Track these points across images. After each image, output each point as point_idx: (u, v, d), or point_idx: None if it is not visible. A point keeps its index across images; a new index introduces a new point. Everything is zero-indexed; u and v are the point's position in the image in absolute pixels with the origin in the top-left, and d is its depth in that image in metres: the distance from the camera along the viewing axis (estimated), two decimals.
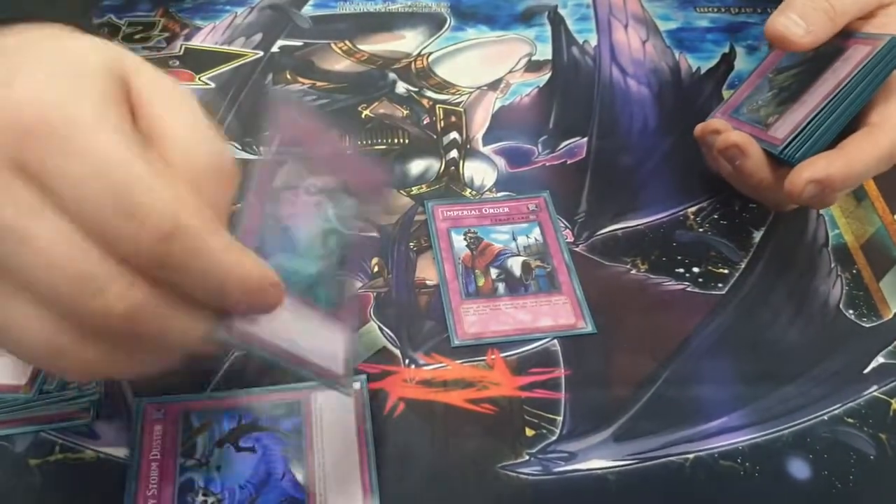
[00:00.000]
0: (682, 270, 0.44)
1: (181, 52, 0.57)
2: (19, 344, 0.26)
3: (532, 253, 0.45)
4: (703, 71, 0.57)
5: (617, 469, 0.36)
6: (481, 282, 0.43)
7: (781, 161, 0.42)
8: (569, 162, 0.50)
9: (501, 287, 0.43)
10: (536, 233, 0.46)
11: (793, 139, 0.41)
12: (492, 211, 0.47)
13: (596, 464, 0.37)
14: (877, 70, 0.40)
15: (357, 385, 0.38)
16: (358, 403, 0.38)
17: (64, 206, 0.25)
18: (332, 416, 0.37)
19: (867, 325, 0.42)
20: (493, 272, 0.44)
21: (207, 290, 0.26)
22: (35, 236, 0.24)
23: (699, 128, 0.46)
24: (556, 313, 0.42)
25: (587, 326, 0.41)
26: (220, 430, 0.37)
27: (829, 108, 0.41)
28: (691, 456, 0.37)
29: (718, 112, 0.48)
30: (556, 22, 0.61)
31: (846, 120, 0.41)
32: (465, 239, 0.46)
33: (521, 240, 0.46)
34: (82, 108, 0.25)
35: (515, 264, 0.44)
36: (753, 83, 0.47)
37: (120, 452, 0.36)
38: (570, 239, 0.46)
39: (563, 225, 0.46)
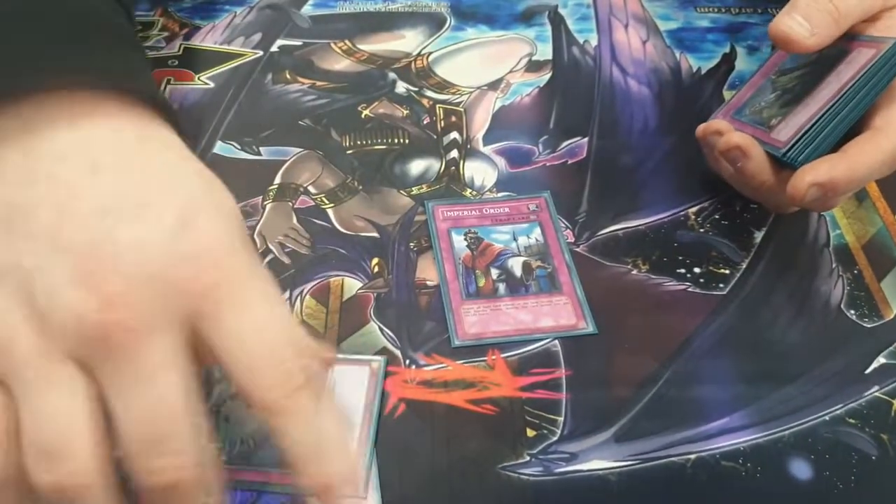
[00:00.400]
0: (683, 271, 0.44)
1: (180, 52, 0.57)
2: None
3: (533, 253, 0.45)
4: (703, 71, 0.57)
5: (618, 470, 0.36)
6: (482, 282, 0.43)
7: (783, 163, 0.42)
8: (569, 162, 0.50)
9: (502, 287, 0.43)
10: (537, 233, 0.46)
11: (796, 142, 0.41)
12: (492, 211, 0.47)
13: (597, 464, 0.37)
14: (881, 74, 0.40)
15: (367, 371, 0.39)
16: (370, 394, 0.38)
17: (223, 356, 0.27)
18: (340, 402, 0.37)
19: (868, 326, 0.42)
20: (494, 272, 0.44)
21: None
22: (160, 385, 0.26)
23: (701, 128, 0.46)
24: (557, 314, 0.42)
25: (588, 327, 0.41)
26: None
27: (833, 112, 0.41)
28: (693, 456, 0.37)
29: (720, 113, 0.47)
30: (557, 22, 0.61)
31: (850, 123, 0.41)
32: (465, 239, 0.45)
33: (522, 240, 0.45)
34: (246, 262, 0.28)
35: (516, 264, 0.44)
36: (756, 84, 0.47)
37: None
38: (571, 239, 0.46)
39: (563, 225, 0.46)
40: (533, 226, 0.46)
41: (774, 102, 0.45)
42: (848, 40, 0.43)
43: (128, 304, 0.25)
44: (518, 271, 0.44)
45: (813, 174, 0.40)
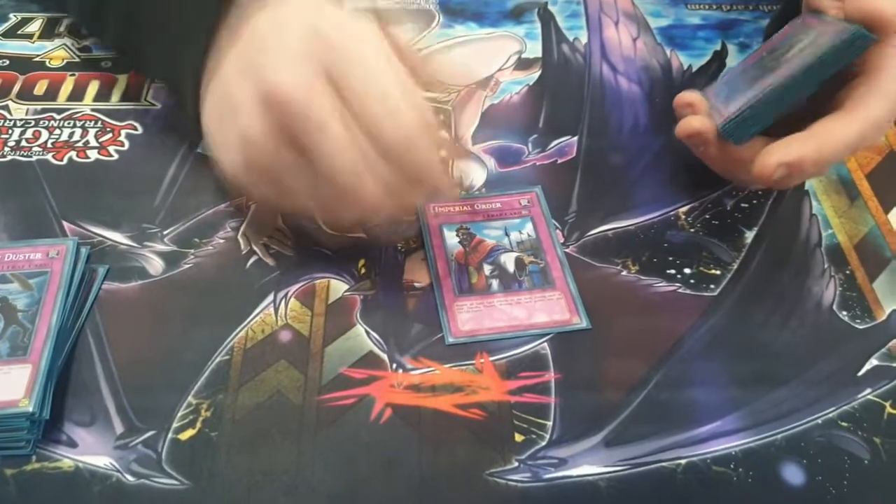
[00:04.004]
0: (673, 271, 0.44)
1: None
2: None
3: (525, 248, 0.44)
4: (694, 68, 0.56)
5: (608, 475, 0.36)
6: (474, 279, 0.43)
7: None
8: (559, 161, 0.50)
9: (495, 283, 0.43)
10: (529, 228, 0.45)
11: (731, 119, 0.42)
12: (484, 207, 0.46)
13: (586, 470, 0.36)
14: (831, 59, 0.40)
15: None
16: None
17: (351, 105, 0.36)
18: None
19: (860, 327, 0.42)
20: (487, 269, 0.43)
21: (413, 174, 0.37)
22: (330, 128, 0.35)
23: (675, 99, 0.46)
24: (551, 309, 0.41)
25: (582, 322, 0.41)
26: None
27: (770, 94, 0.41)
28: (683, 461, 0.36)
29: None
30: (546, 19, 0.60)
31: (787, 106, 0.41)
32: (457, 235, 0.45)
33: (514, 235, 0.45)
34: (371, 43, 0.37)
35: (509, 260, 0.44)
36: (749, 62, 0.46)
37: (99, 461, 0.36)
38: (561, 240, 0.45)
39: (553, 225, 0.46)
40: (525, 221, 0.46)
41: (750, 79, 0.44)
42: (818, 20, 0.42)
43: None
44: (511, 267, 0.43)
45: (781, 154, 0.40)
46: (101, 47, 0.55)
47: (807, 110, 0.41)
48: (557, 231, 0.45)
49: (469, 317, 0.41)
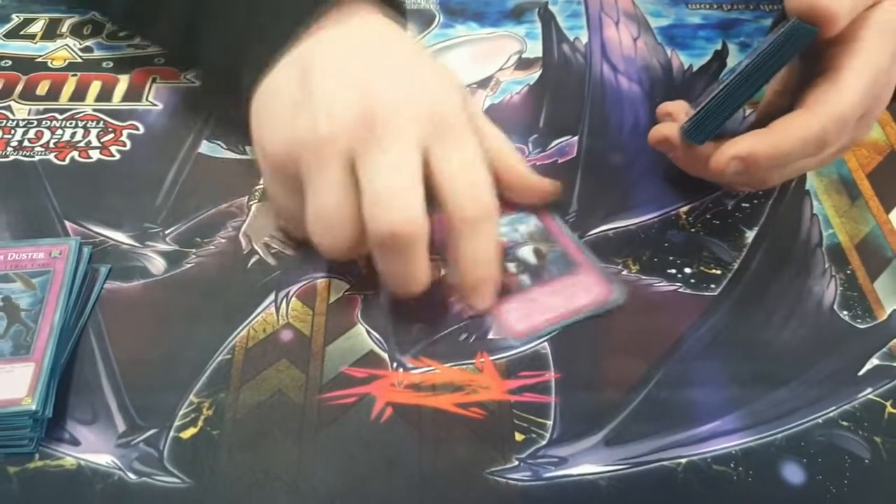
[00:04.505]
0: (673, 271, 0.44)
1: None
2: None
3: (536, 238, 0.44)
4: (695, 68, 0.56)
5: (608, 474, 0.36)
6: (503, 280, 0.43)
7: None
8: (559, 161, 0.50)
9: (526, 278, 0.43)
10: (534, 218, 0.46)
11: (689, 120, 0.42)
12: None
13: (587, 469, 0.36)
14: (775, 53, 0.40)
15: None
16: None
17: (435, 174, 0.38)
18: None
19: (861, 327, 0.42)
20: (511, 266, 0.43)
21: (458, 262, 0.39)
22: (325, 175, 0.38)
23: (658, 109, 0.48)
24: (588, 289, 0.42)
25: (615, 293, 0.42)
26: None
27: (723, 93, 0.41)
28: (684, 460, 0.36)
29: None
30: (547, 19, 0.60)
31: (741, 103, 0.41)
32: None
33: (523, 228, 0.45)
34: (463, 115, 0.39)
35: (528, 253, 0.44)
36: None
37: (101, 459, 0.36)
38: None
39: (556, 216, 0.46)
40: (529, 214, 0.46)
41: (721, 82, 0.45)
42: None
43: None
44: (532, 259, 0.44)
45: (735, 148, 0.40)
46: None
47: (780, 113, 0.41)
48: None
49: (518, 316, 0.41)
